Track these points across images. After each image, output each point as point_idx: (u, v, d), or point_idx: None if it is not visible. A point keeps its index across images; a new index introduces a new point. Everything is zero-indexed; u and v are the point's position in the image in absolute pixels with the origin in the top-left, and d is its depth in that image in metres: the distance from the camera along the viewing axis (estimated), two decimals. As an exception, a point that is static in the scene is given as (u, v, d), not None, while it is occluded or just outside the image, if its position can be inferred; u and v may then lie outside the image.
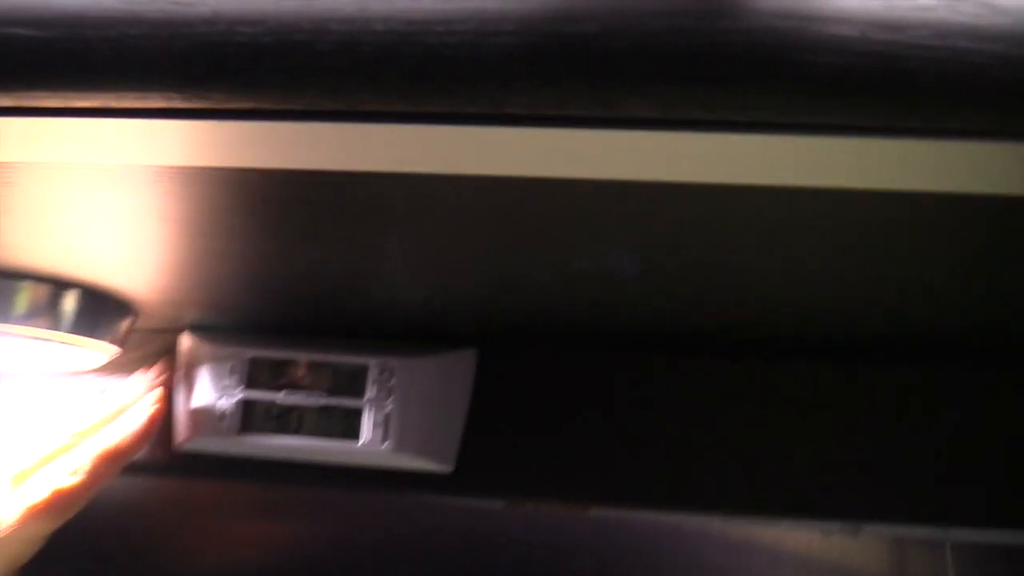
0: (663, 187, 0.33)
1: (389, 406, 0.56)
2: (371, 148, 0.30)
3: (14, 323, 0.49)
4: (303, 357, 0.57)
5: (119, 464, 0.53)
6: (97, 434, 0.54)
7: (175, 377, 0.59)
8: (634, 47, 0.25)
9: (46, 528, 0.51)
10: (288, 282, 0.50)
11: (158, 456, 0.59)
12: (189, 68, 0.26)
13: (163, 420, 0.57)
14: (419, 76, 0.26)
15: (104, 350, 0.55)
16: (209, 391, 0.57)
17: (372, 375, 0.57)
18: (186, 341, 0.59)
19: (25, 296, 0.49)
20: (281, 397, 0.57)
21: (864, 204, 0.34)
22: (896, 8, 0.26)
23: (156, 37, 0.26)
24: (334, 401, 0.56)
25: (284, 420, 0.57)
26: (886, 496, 0.58)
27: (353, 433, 0.56)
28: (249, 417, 0.57)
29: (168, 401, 0.58)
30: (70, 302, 0.52)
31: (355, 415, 0.56)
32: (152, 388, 0.57)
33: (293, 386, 0.57)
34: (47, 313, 0.50)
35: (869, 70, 0.26)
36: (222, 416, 0.57)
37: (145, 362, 0.61)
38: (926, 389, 0.59)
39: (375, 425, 0.56)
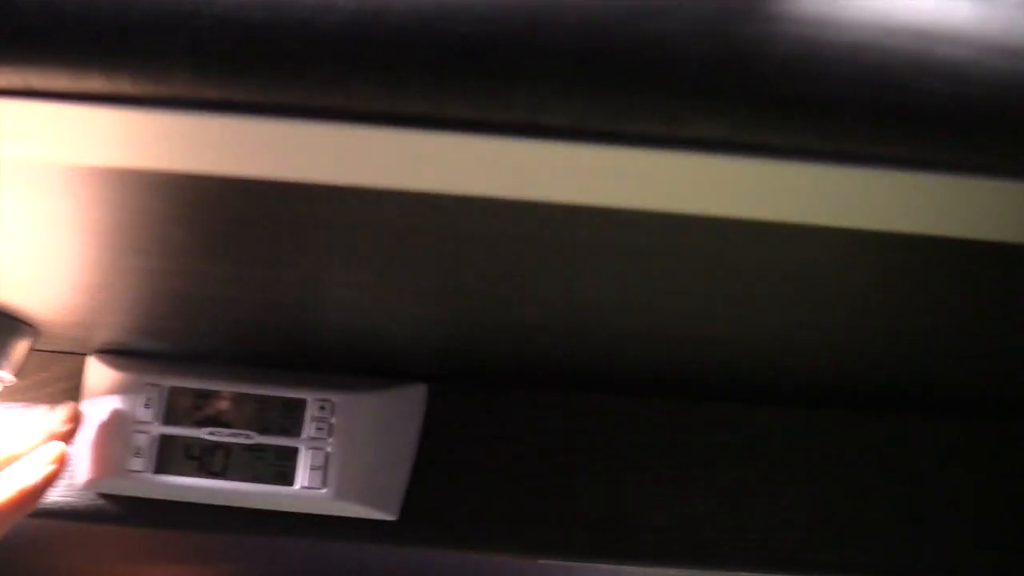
0: (644, 216, 0.28)
1: (328, 447, 0.50)
2: (305, 152, 0.25)
3: None
4: (231, 389, 0.51)
5: (24, 510, 0.45)
6: None
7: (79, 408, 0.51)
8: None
9: None
10: (214, 305, 0.43)
11: (59, 496, 0.51)
12: (119, 44, 0.21)
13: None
14: (364, 71, 0.21)
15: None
16: (120, 424, 0.50)
17: (310, 411, 0.50)
18: (93, 367, 0.52)
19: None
20: (205, 434, 0.50)
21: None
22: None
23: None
24: (266, 440, 0.50)
25: (207, 460, 0.50)
26: (840, 549, 0.56)
27: (287, 477, 0.49)
28: (167, 455, 0.50)
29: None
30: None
31: (290, 456, 0.50)
32: (62, 423, 0.49)
33: (218, 422, 0.50)
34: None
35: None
36: (135, 453, 0.49)
37: (45, 390, 0.53)
38: (883, 438, 0.57)
39: (312, 468, 0.49)
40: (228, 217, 0.31)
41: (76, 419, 0.49)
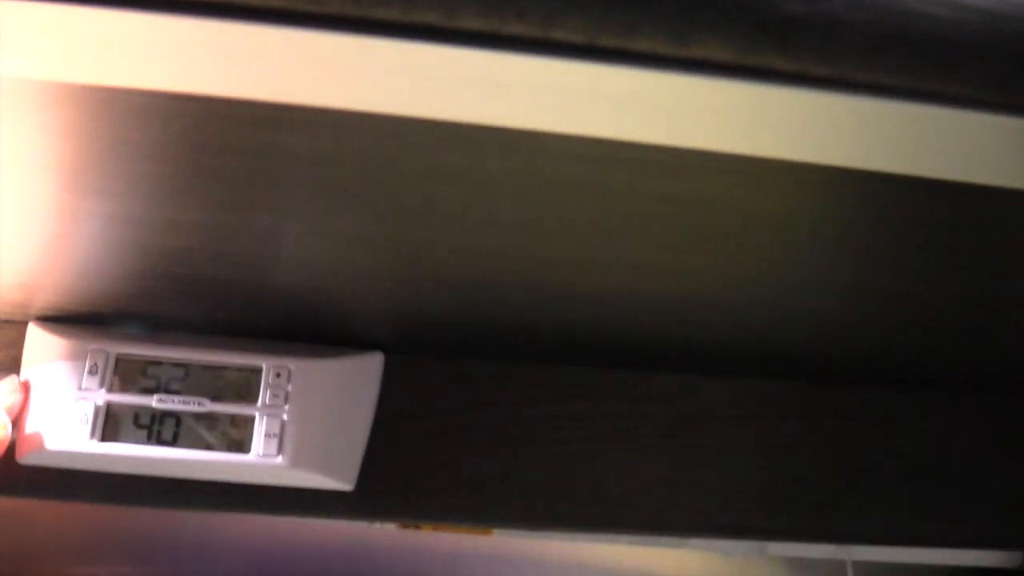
0: (620, 150, 0.29)
1: (284, 415, 0.49)
2: (268, 66, 0.25)
3: None
4: (182, 356, 0.49)
5: None
6: None
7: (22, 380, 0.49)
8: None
9: None
10: (168, 259, 0.42)
11: (-3, 470, 0.49)
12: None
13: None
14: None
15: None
16: (63, 393, 0.48)
17: (266, 378, 0.49)
18: (35, 333, 0.50)
19: None
20: (154, 401, 0.48)
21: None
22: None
23: None
24: (219, 407, 0.48)
25: (157, 429, 0.48)
26: (790, 516, 0.57)
27: (242, 445, 0.48)
28: (113, 424, 0.48)
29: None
30: None
31: (245, 424, 0.48)
32: (6, 395, 0.47)
33: (169, 390, 0.49)
34: None
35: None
36: (80, 422, 0.47)
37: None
38: (830, 409, 0.59)
39: (268, 435, 0.48)
40: (192, 147, 0.30)
41: (20, 391, 0.47)
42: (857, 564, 0.70)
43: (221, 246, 0.39)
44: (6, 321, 0.51)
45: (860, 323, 0.50)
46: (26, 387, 0.48)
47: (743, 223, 0.37)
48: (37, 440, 0.47)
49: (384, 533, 0.67)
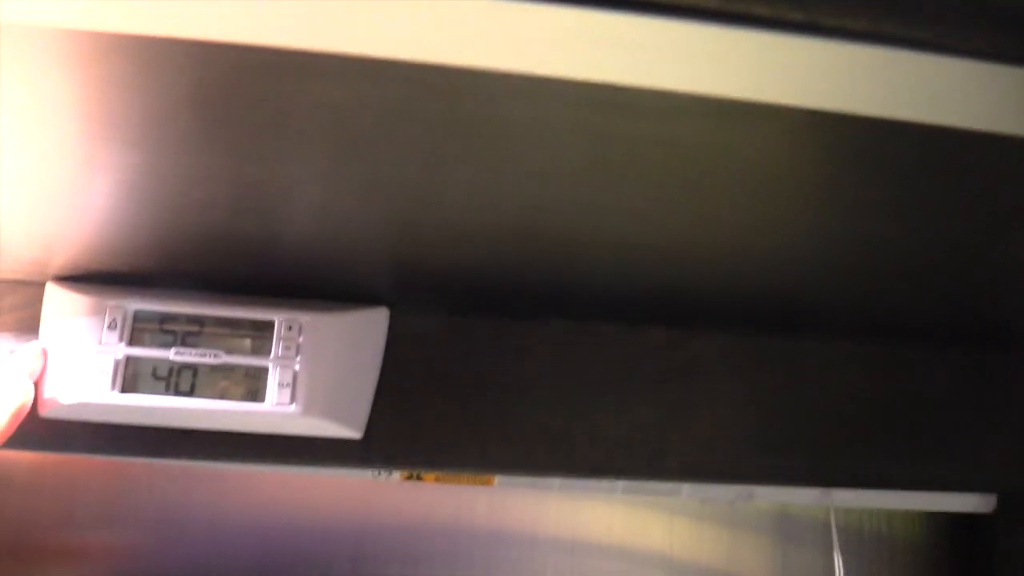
0: (614, 95, 0.31)
1: (296, 365, 0.51)
2: (298, 14, 0.27)
3: None
4: (197, 311, 0.51)
5: None
6: None
7: (41, 335, 0.51)
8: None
9: None
10: (182, 217, 0.44)
11: (22, 425, 0.51)
12: None
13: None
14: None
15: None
16: (84, 348, 0.50)
17: (278, 331, 0.51)
18: (53, 292, 0.52)
19: None
20: (171, 354, 0.50)
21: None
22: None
23: None
24: (234, 359, 0.51)
25: (175, 380, 0.50)
26: (775, 460, 0.60)
27: (256, 395, 0.50)
28: (133, 376, 0.50)
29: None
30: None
31: (259, 375, 0.51)
32: (28, 360, 0.49)
33: (185, 343, 0.51)
34: None
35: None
36: (101, 375, 0.49)
37: (5, 316, 0.53)
38: (813, 359, 0.62)
39: (281, 385, 0.51)
40: (221, 96, 0.32)
41: (41, 357, 0.49)
42: (839, 510, 0.73)
43: (239, 201, 0.41)
44: (24, 282, 0.53)
45: (842, 272, 0.52)
46: (45, 354, 0.50)
47: (733, 168, 0.39)
48: (59, 394, 0.50)
49: (388, 486, 0.70)
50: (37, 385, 0.50)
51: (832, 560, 0.71)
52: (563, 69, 0.30)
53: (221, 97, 0.32)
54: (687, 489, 0.66)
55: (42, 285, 0.52)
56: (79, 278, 0.52)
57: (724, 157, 0.38)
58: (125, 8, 0.27)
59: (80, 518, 0.66)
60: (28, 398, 0.48)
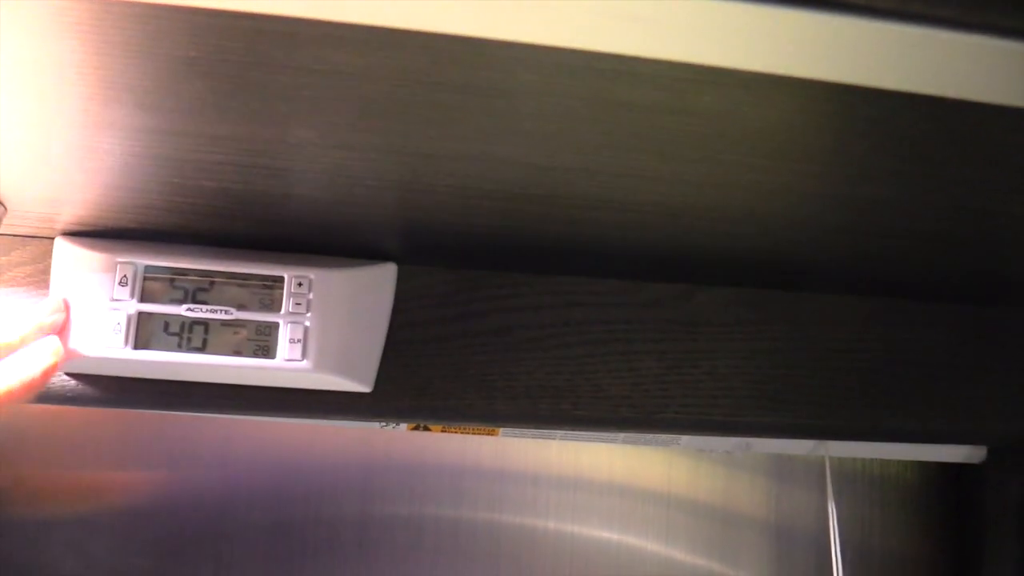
0: (631, 65, 0.31)
1: (307, 321, 0.52)
2: None
3: None
4: (208, 267, 0.51)
5: (22, 401, 0.45)
6: None
7: (51, 290, 0.51)
8: None
9: None
10: (194, 175, 0.44)
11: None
12: None
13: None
14: None
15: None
16: (94, 304, 0.50)
17: (288, 287, 0.52)
18: (63, 247, 0.52)
19: None
20: (183, 310, 0.51)
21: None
22: None
23: None
24: (245, 315, 0.51)
25: (187, 336, 0.51)
26: (774, 413, 0.62)
27: (268, 351, 0.51)
28: (145, 332, 0.50)
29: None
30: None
31: (270, 331, 0.51)
32: (51, 314, 0.49)
33: (196, 299, 0.51)
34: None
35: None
36: (114, 331, 0.50)
37: (8, 274, 0.53)
38: (811, 314, 0.63)
39: (292, 341, 0.51)
40: (242, 63, 0.32)
41: (63, 310, 0.50)
42: (835, 465, 0.75)
43: (252, 159, 0.41)
44: (32, 236, 0.53)
45: (842, 232, 0.53)
46: (67, 306, 0.50)
47: (742, 134, 0.39)
48: (73, 349, 0.50)
49: (395, 436, 0.71)
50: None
51: (826, 498, 0.73)
52: (578, 41, 0.30)
53: (238, 64, 0.32)
54: (685, 439, 0.68)
55: (50, 240, 0.52)
56: (88, 233, 0.52)
57: (732, 124, 0.38)
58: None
59: (99, 457, 0.68)
60: (59, 354, 0.48)
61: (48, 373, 0.46)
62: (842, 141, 0.40)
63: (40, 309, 0.49)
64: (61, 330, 0.50)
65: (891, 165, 0.42)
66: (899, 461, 0.80)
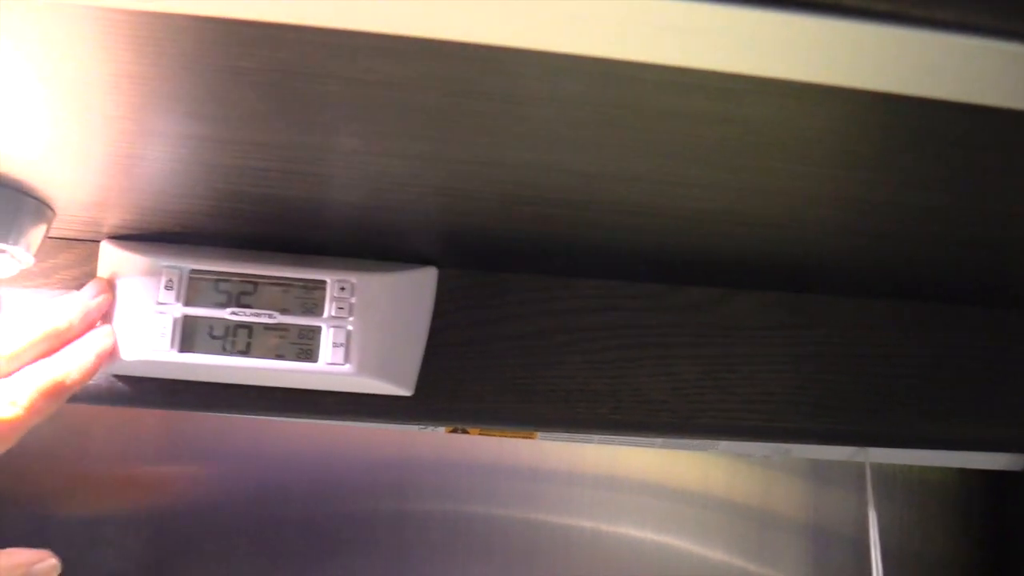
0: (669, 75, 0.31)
1: (349, 325, 0.52)
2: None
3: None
4: (251, 271, 0.52)
5: (62, 398, 0.46)
6: (38, 362, 0.46)
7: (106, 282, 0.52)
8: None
9: None
10: (239, 180, 0.44)
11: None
12: None
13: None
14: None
15: (17, 258, 0.48)
16: (140, 307, 0.51)
17: (330, 291, 0.52)
18: (108, 251, 0.52)
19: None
20: (227, 314, 0.51)
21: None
22: None
23: None
24: (288, 319, 0.52)
25: (231, 339, 0.51)
26: (813, 419, 0.61)
27: (311, 354, 0.52)
28: (190, 336, 0.51)
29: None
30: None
31: (312, 335, 0.52)
32: (95, 296, 0.50)
33: (240, 303, 0.52)
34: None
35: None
36: (159, 334, 0.51)
37: (56, 276, 0.54)
38: (852, 319, 0.63)
39: (335, 345, 0.52)
40: (292, 73, 0.33)
41: (106, 290, 0.51)
42: (875, 466, 0.74)
43: (296, 166, 0.42)
44: (79, 239, 0.54)
45: (885, 238, 0.52)
46: (109, 289, 0.51)
47: (787, 143, 0.39)
48: (119, 351, 0.51)
49: (433, 437, 0.72)
50: None
51: (866, 501, 0.72)
52: (623, 51, 0.30)
53: (286, 74, 0.32)
54: (723, 443, 0.68)
55: (96, 243, 0.53)
56: (133, 237, 0.53)
57: (776, 132, 0.38)
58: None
59: (134, 454, 0.69)
60: (110, 336, 0.50)
61: (102, 357, 0.48)
62: (888, 149, 0.40)
63: (82, 293, 0.50)
64: (106, 308, 0.51)
65: (939, 173, 0.42)
66: (940, 470, 0.79)
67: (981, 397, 0.64)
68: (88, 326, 0.49)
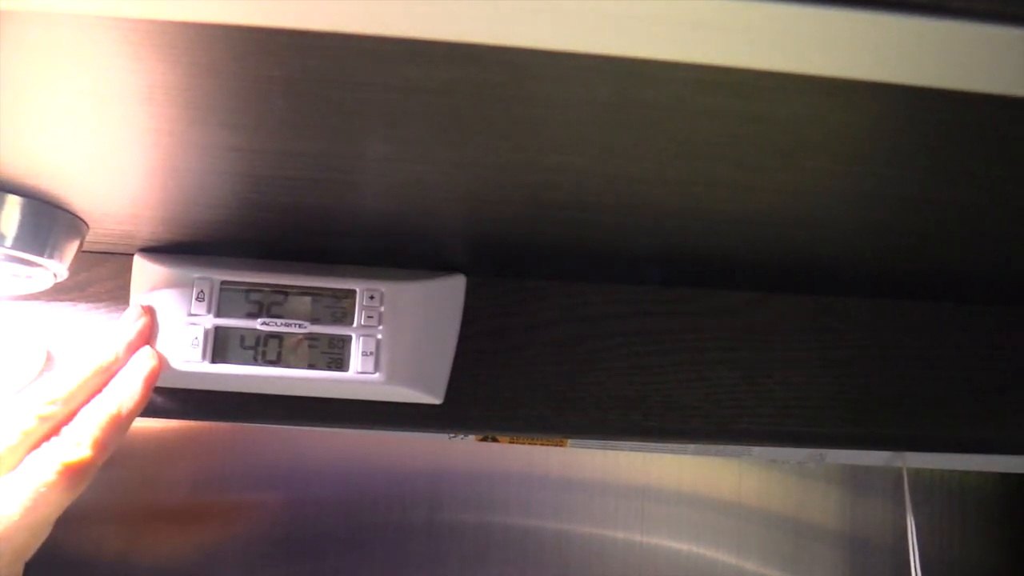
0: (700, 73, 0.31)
1: (379, 334, 0.52)
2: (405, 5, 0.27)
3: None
4: (281, 281, 0.52)
5: (122, 430, 0.47)
6: (92, 400, 0.47)
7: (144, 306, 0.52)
8: None
9: (56, 510, 0.43)
10: (270, 191, 0.44)
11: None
12: None
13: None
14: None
15: (51, 272, 0.49)
16: (173, 319, 0.51)
17: (360, 301, 0.52)
18: (141, 264, 0.53)
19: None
20: (258, 324, 0.51)
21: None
22: None
23: None
24: (319, 329, 0.52)
25: (263, 349, 0.51)
26: (849, 424, 0.60)
27: (341, 363, 0.52)
28: (222, 346, 0.51)
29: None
30: (12, 212, 0.45)
31: (342, 344, 0.52)
32: (137, 337, 0.51)
33: (271, 313, 0.52)
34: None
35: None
36: (191, 345, 0.51)
37: (89, 290, 0.54)
38: (888, 322, 0.62)
39: (365, 354, 0.52)
40: (324, 82, 0.33)
41: (144, 315, 0.51)
42: (912, 471, 0.73)
43: (328, 174, 0.42)
44: (113, 252, 0.55)
45: (925, 238, 0.52)
46: (148, 310, 0.51)
47: (823, 141, 0.39)
48: (153, 362, 0.51)
49: (463, 446, 0.71)
50: None
51: (903, 509, 0.71)
52: (657, 51, 0.29)
53: (319, 82, 0.32)
54: (757, 450, 0.67)
55: (130, 256, 0.54)
56: (165, 249, 0.53)
57: (812, 131, 0.37)
58: (232, 0, 0.27)
59: (172, 464, 0.69)
60: (154, 359, 0.50)
61: (149, 382, 0.49)
62: (926, 145, 0.39)
63: (123, 322, 0.51)
64: (148, 332, 0.51)
65: (978, 169, 0.41)
66: (978, 474, 0.78)
67: (1020, 399, 0.63)
68: (132, 351, 0.50)
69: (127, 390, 0.48)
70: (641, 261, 0.57)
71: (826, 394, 0.60)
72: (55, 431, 0.45)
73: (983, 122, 0.36)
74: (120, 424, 0.46)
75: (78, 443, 0.44)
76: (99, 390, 0.47)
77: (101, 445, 0.45)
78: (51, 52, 0.31)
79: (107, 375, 0.48)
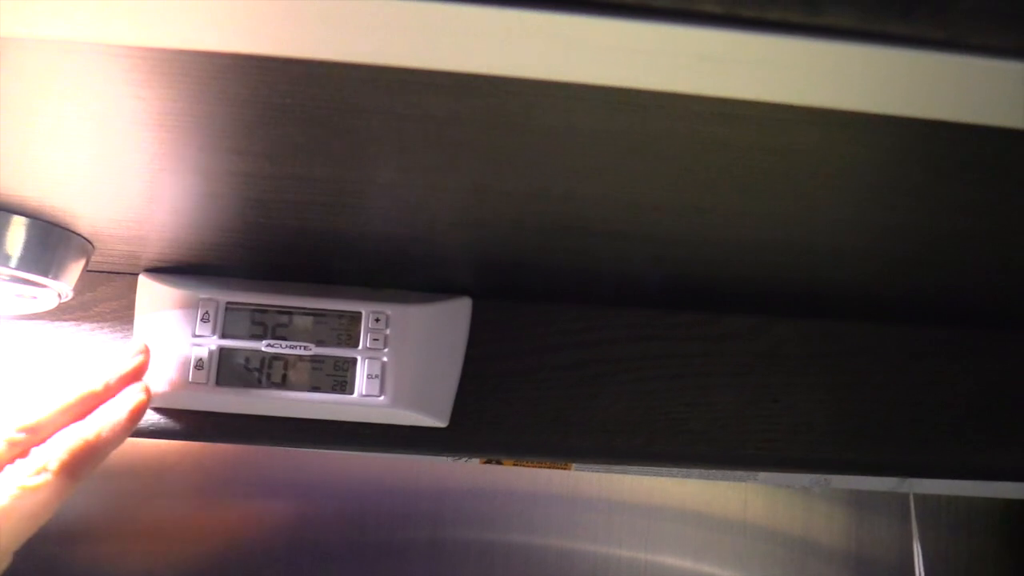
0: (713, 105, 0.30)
1: (384, 357, 0.52)
2: (418, 37, 0.27)
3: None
4: (287, 303, 0.52)
5: (95, 460, 0.44)
6: (70, 426, 0.44)
7: (135, 326, 0.52)
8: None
9: (12, 540, 0.41)
10: (278, 214, 0.44)
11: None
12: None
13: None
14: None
15: (56, 292, 0.48)
16: (177, 340, 0.51)
17: (365, 323, 0.52)
18: (146, 285, 0.53)
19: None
20: (263, 346, 0.51)
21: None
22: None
23: None
24: (324, 351, 0.51)
25: (267, 372, 0.51)
26: (856, 449, 0.60)
27: (346, 386, 0.51)
28: (226, 368, 0.51)
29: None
30: (18, 233, 0.45)
31: (347, 366, 0.51)
32: (131, 372, 0.49)
33: (276, 335, 0.52)
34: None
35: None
36: (196, 367, 0.51)
37: (94, 310, 0.54)
38: (894, 347, 0.61)
39: (369, 377, 0.51)
40: (336, 109, 0.32)
41: (144, 353, 0.50)
42: (918, 497, 0.72)
43: (337, 199, 0.42)
44: (118, 273, 0.54)
45: (931, 265, 0.51)
46: (147, 350, 0.50)
47: (829, 171, 0.38)
48: (155, 384, 0.51)
49: (467, 467, 0.71)
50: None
51: (910, 531, 0.70)
52: (675, 84, 0.29)
53: (330, 110, 0.32)
54: (763, 474, 0.66)
55: (135, 276, 0.53)
56: (170, 270, 0.53)
57: (826, 162, 0.37)
58: (243, 29, 0.27)
59: (177, 485, 0.69)
60: (144, 396, 0.48)
61: (134, 415, 0.46)
62: (936, 177, 0.39)
63: (122, 354, 0.50)
64: (145, 370, 0.50)
65: (984, 199, 0.41)
66: (986, 500, 0.77)
67: (1027, 426, 0.62)
68: (124, 385, 0.48)
69: (109, 419, 0.45)
70: (649, 286, 0.56)
71: (832, 420, 0.59)
72: (24, 454, 0.43)
73: (997, 155, 0.36)
74: (95, 451, 0.44)
75: (40, 468, 0.41)
76: (81, 417, 0.45)
77: (68, 470, 0.42)
78: (61, 78, 0.31)
79: (93, 403, 0.46)
